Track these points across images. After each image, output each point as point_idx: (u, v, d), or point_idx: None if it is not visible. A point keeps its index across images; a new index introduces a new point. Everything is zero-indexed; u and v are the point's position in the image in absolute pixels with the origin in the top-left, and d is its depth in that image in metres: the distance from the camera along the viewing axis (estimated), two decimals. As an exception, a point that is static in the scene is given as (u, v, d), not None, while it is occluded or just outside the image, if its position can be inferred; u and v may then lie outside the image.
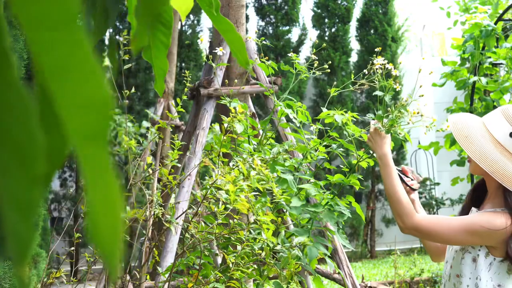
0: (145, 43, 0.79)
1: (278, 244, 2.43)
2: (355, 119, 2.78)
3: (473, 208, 2.24)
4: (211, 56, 3.76)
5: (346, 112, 2.71)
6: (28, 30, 0.46)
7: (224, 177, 2.30)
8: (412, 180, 2.38)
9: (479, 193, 2.26)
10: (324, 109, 2.81)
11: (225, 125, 2.59)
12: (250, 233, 2.53)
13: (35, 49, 0.46)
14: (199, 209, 2.47)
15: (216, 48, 3.54)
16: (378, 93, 2.49)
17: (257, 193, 2.45)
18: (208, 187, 2.36)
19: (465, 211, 2.28)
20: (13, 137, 0.47)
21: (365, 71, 2.88)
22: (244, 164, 2.38)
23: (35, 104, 0.47)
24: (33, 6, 0.45)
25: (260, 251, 2.43)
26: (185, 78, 3.32)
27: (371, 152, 2.58)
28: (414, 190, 2.36)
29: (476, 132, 2.10)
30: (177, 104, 3.13)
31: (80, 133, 0.47)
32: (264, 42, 3.06)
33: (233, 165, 2.45)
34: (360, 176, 2.70)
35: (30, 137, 0.46)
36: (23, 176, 0.47)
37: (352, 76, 3.00)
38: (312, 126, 2.90)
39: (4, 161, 0.47)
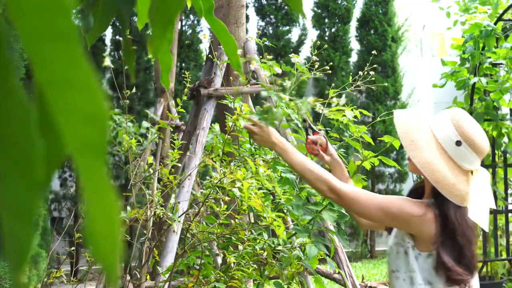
0: (162, 47, 0.79)
1: (279, 244, 2.43)
2: (356, 119, 2.78)
3: None
4: (215, 53, 3.76)
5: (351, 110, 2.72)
6: (26, 41, 0.46)
7: (233, 174, 2.29)
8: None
9: (419, 194, 2.20)
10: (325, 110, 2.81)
11: (230, 123, 2.59)
12: (252, 233, 2.53)
13: (34, 60, 0.46)
14: (201, 208, 2.47)
15: (219, 45, 3.54)
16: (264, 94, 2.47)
17: (263, 190, 2.45)
18: (211, 186, 2.35)
19: None
20: (13, 143, 0.47)
21: (361, 73, 2.88)
22: (249, 163, 2.38)
23: (33, 110, 0.47)
24: (31, 18, 0.45)
25: (262, 251, 2.44)
26: (185, 79, 3.32)
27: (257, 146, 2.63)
28: (318, 132, 2.44)
29: (423, 137, 2.05)
30: (177, 105, 3.13)
31: (78, 144, 0.47)
32: (265, 43, 3.06)
33: (235, 164, 2.45)
34: (363, 177, 2.70)
35: (30, 143, 0.47)
36: (22, 181, 0.47)
37: (351, 78, 3.00)
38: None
39: (3, 166, 0.47)
